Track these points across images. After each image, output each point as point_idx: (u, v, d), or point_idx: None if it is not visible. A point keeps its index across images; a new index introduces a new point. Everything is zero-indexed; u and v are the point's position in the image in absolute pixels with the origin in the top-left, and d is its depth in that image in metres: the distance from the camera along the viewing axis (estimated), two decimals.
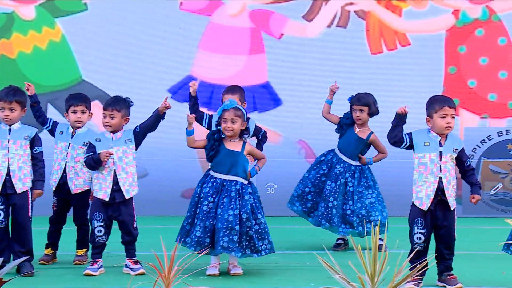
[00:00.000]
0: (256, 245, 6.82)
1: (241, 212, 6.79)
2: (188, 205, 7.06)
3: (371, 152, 8.14)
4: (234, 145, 6.93)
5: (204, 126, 7.73)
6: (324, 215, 7.90)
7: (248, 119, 7.03)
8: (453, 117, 6.42)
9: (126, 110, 7.06)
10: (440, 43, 10.46)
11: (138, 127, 7.12)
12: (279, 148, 10.27)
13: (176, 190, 10.04)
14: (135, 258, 7.02)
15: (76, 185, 7.28)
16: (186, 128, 6.97)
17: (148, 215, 9.31)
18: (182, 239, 6.88)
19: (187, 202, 7.19)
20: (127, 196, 6.95)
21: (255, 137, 7.80)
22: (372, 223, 7.79)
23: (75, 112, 7.32)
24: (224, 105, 6.99)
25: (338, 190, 7.92)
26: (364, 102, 7.99)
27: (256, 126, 7.77)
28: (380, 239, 7.45)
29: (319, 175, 8.05)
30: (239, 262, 7.01)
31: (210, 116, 7.85)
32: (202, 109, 9.78)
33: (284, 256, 7.62)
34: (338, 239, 8.16)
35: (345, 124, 8.06)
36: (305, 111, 10.25)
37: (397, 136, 6.40)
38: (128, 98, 7.15)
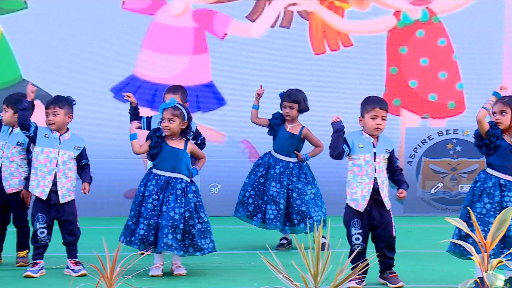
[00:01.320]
0: (199, 244, 6.82)
1: (185, 211, 6.79)
2: (131, 205, 7.01)
3: (307, 149, 8.19)
4: (176, 143, 6.92)
5: (144, 129, 7.78)
6: (278, 218, 7.92)
7: (189, 119, 7.00)
8: (384, 119, 6.48)
9: (69, 108, 7.00)
10: (382, 43, 10.56)
11: (85, 158, 7.06)
12: (223, 148, 10.27)
13: (119, 191, 9.97)
14: (76, 259, 6.96)
15: (10, 185, 7.17)
16: (130, 134, 6.92)
17: (90, 216, 9.23)
18: (127, 239, 6.84)
19: (130, 202, 7.14)
20: (62, 201, 6.88)
21: (194, 140, 7.83)
22: (313, 218, 7.86)
23: (5, 111, 7.26)
24: (164, 104, 6.99)
25: (284, 191, 7.95)
26: (294, 99, 8.03)
27: (196, 129, 7.80)
28: (323, 236, 7.52)
29: (257, 178, 8.09)
30: (182, 262, 6.99)
31: (149, 118, 7.85)
32: (145, 109, 9.75)
33: (228, 256, 7.62)
34: (281, 239, 8.20)
35: (276, 125, 8.09)
36: (249, 111, 10.21)
37: (338, 148, 6.43)
38: (70, 97, 7.09)
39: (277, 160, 8.07)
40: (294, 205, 7.93)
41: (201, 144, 7.84)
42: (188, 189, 6.86)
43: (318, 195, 8.07)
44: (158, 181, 6.85)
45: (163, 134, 6.91)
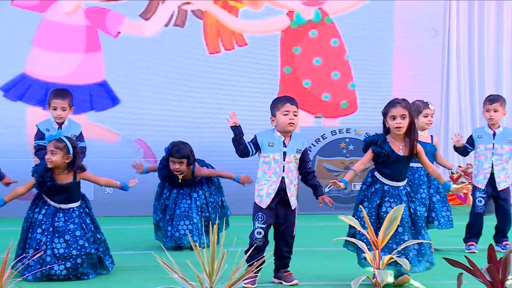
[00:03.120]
0: (105, 264, 6.84)
1: (89, 237, 6.72)
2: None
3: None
4: (64, 178, 6.74)
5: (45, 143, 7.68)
6: (194, 232, 7.90)
7: (76, 151, 6.76)
8: (295, 115, 6.52)
9: None
10: (276, 43, 10.65)
11: None
12: (117, 147, 10.16)
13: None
14: None
15: None
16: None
17: None
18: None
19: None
20: None
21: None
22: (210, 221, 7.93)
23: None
24: (49, 135, 6.79)
25: (198, 204, 7.97)
26: (183, 154, 7.90)
27: (81, 133, 7.77)
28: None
29: (162, 200, 8.04)
30: None
31: (39, 130, 7.71)
32: (36, 108, 9.56)
33: (122, 256, 7.54)
34: None
35: (171, 179, 8.01)
36: (143, 110, 10.19)
37: (242, 151, 6.47)
38: None
39: (183, 184, 8.06)
40: (213, 215, 8.00)
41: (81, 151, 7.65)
42: (82, 214, 6.78)
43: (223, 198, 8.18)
44: (48, 211, 6.71)
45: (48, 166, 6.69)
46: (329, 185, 6.52)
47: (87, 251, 6.65)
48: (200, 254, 4.73)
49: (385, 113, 6.49)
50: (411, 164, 6.92)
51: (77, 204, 6.78)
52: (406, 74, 10.84)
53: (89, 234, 6.74)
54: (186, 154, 7.88)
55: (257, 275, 6.43)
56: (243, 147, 6.45)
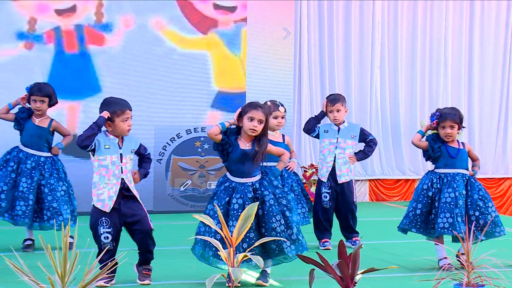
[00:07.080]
0: None
1: None
2: None
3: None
4: None
5: None
6: (26, 214, 7.79)
7: None
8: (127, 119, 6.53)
9: None
10: None
11: None
12: None
13: None
14: None
15: None
16: None
17: None
18: None
19: None
20: None
21: None
22: (63, 215, 7.83)
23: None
24: None
25: (34, 186, 7.81)
26: (46, 92, 7.89)
27: None
28: (70, 236, 7.45)
29: (8, 173, 7.87)
30: None
31: None
32: None
33: None
34: (26, 240, 8.00)
35: (22, 118, 7.91)
36: None
37: (87, 146, 6.41)
38: None
39: (28, 154, 7.88)
40: (46, 201, 7.84)
41: None
42: None
43: (70, 191, 8.00)
44: None
45: None
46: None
47: None
48: (52, 256, 4.64)
49: (243, 112, 6.50)
50: (266, 164, 7.00)
51: None
52: (258, 74, 10.97)
53: None
54: (48, 93, 7.85)
55: (113, 275, 6.37)
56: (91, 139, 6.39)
